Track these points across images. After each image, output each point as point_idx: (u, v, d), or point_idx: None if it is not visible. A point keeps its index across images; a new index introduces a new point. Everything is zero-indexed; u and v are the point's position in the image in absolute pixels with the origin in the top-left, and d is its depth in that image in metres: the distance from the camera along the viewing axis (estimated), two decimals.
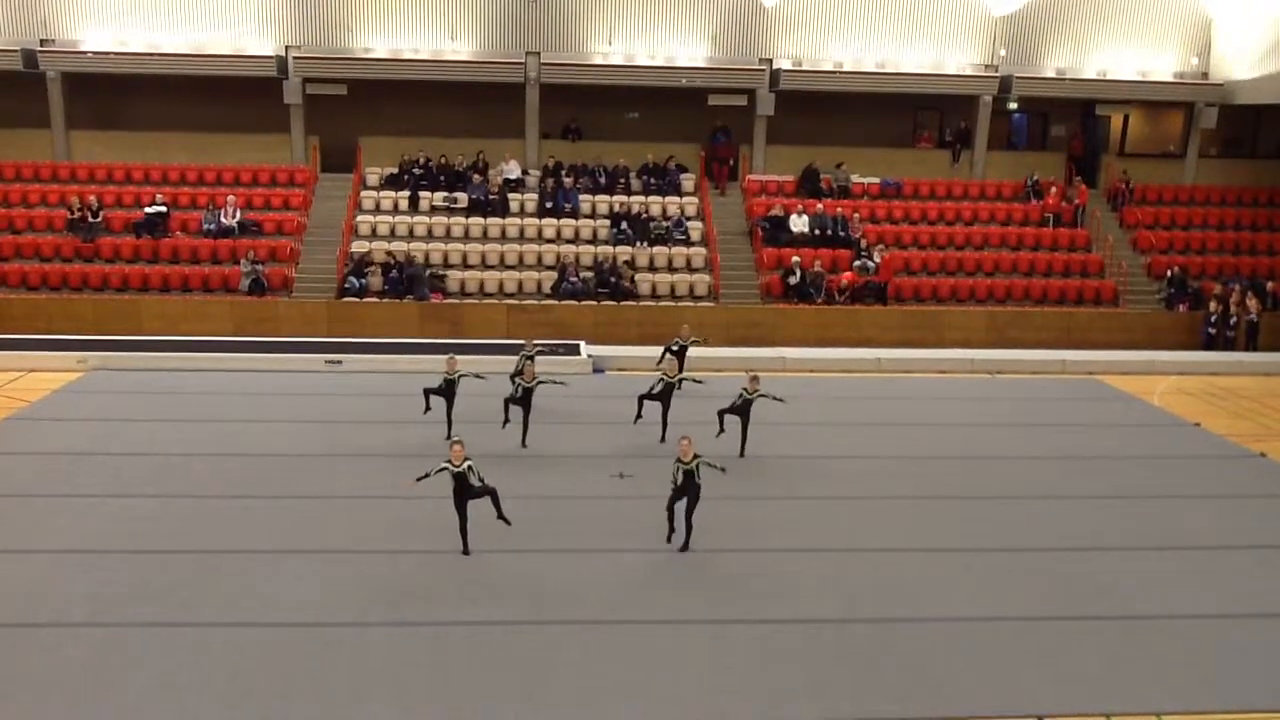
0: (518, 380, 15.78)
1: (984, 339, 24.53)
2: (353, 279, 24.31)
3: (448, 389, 15.77)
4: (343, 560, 11.64)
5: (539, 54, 27.57)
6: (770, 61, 28.15)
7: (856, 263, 25.66)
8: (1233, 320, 24.85)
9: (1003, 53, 28.54)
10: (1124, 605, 11.07)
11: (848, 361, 22.54)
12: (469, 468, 11.48)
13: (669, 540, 12.12)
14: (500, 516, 11.76)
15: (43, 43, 26.74)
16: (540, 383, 15.58)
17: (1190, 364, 23.26)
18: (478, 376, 15.94)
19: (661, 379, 16.08)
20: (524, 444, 15.67)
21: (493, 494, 11.68)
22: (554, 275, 25.12)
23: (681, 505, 12.00)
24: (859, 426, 17.75)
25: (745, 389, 15.22)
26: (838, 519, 13.42)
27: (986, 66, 28.70)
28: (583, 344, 22.57)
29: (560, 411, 17.20)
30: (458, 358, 16.12)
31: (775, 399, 15.22)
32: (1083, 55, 28.91)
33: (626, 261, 25.45)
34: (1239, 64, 28.15)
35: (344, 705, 8.79)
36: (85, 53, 26.77)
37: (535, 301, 24.67)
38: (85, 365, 20.31)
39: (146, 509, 13.03)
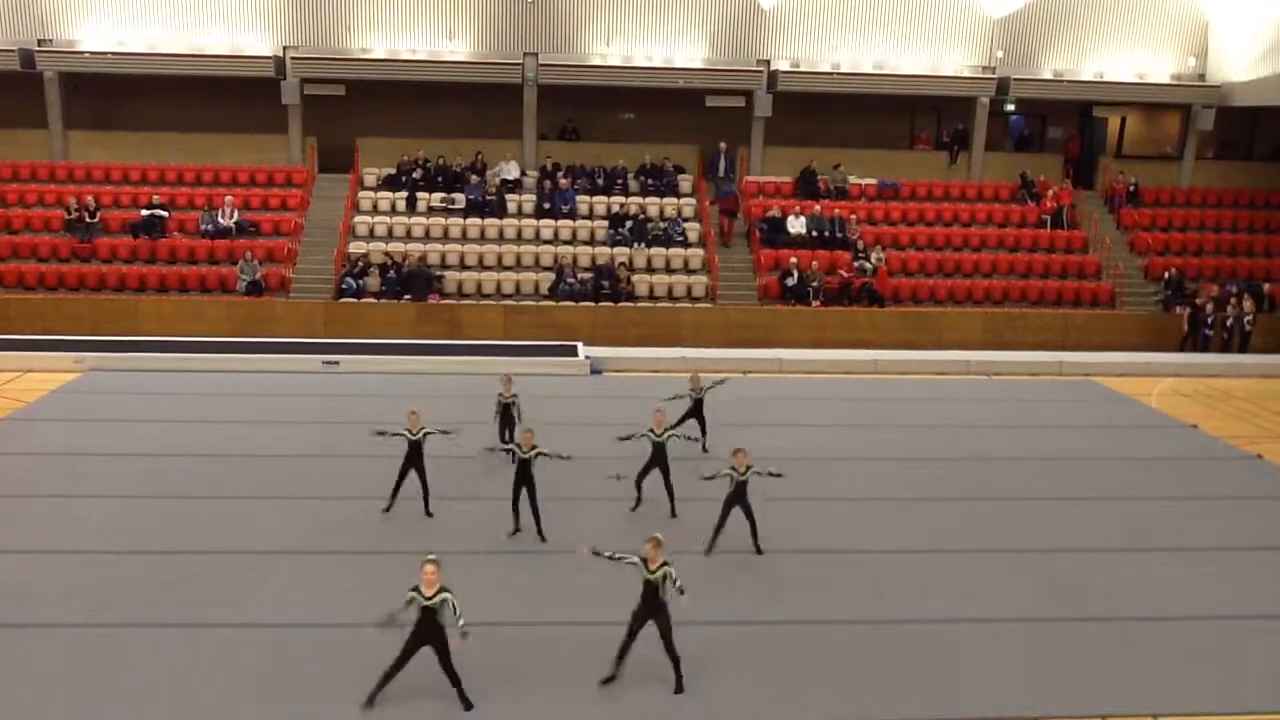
0: (514, 448, 12.63)
1: (981, 340, 24.54)
2: (350, 280, 24.29)
3: (414, 452, 12.72)
4: (340, 561, 11.65)
5: (537, 55, 27.56)
6: (768, 63, 28.15)
7: (855, 264, 25.67)
8: (1229, 322, 24.89)
9: (1000, 54, 28.55)
10: (1121, 606, 11.09)
11: (845, 363, 22.55)
12: (443, 601, 8.55)
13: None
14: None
15: (40, 43, 26.71)
16: (540, 454, 12.36)
17: (1187, 366, 23.29)
18: (444, 433, 13.06)
19: (647, 435, 13.42)
20: (541, 537, 12.47)
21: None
22: (551, 276, 25.10)
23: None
24: (856, 428, 17.75)
25: (734, 468, 12.00)
26: (834, 520, 13.44)
27: (984, 68, 28.71)
28: (580, 345, 22.58)
29: (557, 413, 17.18)
30: (418, 413, 12.91)
31: (772, 474, 12.10)
32: (1080, 57, 28.94)
33: (624, 263, 25.45)
34: (1236, 66, 28.17)
35: (341, 706, 8.79)
36: (83, 53, 26.72)
37: (533, 302, 24.67)
38: (82, 366, 20.29)
39: (143, 509, 13.03)
